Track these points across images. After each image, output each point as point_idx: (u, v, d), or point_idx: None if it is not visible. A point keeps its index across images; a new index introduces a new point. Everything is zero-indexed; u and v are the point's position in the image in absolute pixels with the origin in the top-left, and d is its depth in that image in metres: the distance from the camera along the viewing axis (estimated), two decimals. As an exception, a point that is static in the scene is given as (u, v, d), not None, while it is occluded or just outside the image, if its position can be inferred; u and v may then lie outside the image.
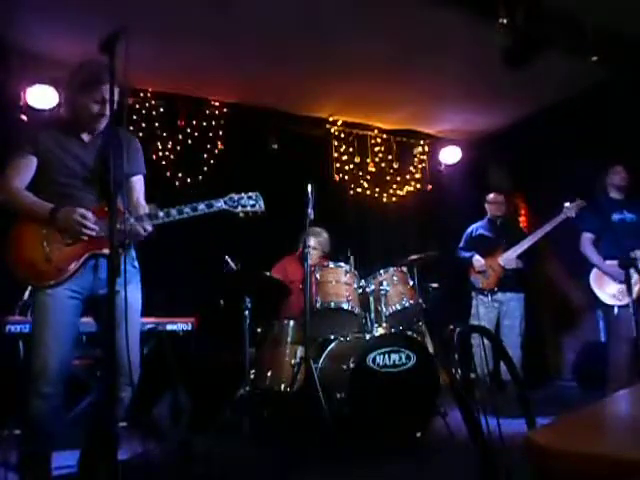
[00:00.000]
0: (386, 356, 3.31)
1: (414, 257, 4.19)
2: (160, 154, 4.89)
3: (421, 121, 5.97)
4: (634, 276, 3.76)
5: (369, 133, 5.95)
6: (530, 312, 4.66)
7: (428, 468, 2.91)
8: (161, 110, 4.93)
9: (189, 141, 5.03)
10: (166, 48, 4.25)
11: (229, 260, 3.79)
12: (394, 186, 6.01)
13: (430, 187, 6.15)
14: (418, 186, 6.12)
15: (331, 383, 3.26)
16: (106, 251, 2.17)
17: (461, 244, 4.80)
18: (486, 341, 1.59)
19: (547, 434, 0.85)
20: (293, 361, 3.62)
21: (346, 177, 5.78)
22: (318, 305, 3.60)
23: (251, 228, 2.85)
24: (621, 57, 4.33)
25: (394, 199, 6.01)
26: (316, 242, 4.29)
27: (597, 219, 4.12)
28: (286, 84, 4.92)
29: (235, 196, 2.40)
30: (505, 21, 3.74)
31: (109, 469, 1.70)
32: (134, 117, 4.77)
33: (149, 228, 2.23)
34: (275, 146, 5.33)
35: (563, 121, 5.12)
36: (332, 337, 3.71)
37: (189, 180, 4.96)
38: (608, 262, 3.98)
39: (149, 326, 3.78)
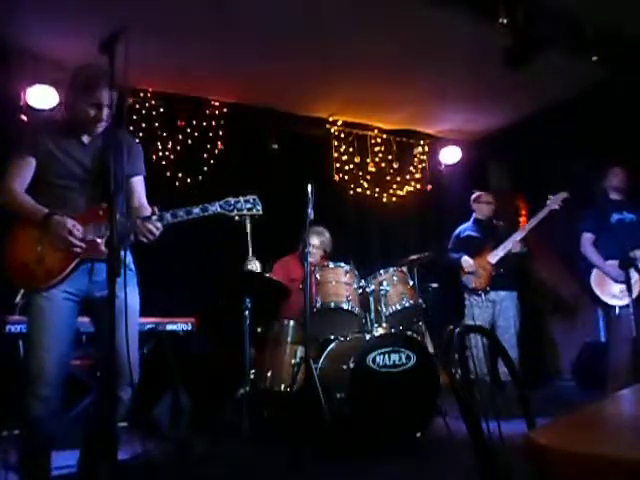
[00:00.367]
0: (386, 356, 3.31)
1: (414, 257, 4.19)
2: (160, 154, 4.88)
3: (421, 121, 5.97)
4: (634, 276, 3.77)
5: (369, 133, 5.95)
6: (530, 312, 4.66)
7: (428, 468, 2.91)
8: (161, 110, 4.93)
9: (189, 141, 5.03)
10: (166, 48, 4.24)
11: (251, 260, 3.72)
12: (394, 186, 6.01)
13: (430, 187, 6.15)
14: (418, 186, 6.11)
15: (331, 383, 3.26)
16: (100, 255, 2.18)
17: (450, 246, 4.77)
18: (483, 341, 1.59)
19: (547, 434, 0.85)
20: (293, 361, 3.62)
21: (346, 177, 5.78)
22: (318, 305, 3.61)
23: (251, 228, 2.86)
24: (621, 57, 4.33)
25: (394, 199, 6.00)
26: (319, 241, 4.29)
27: (597, 220, 4.12)
28: (286, 84, 4.92)
29: (232, 200, 2.36)
30: (505, 21, 3.74)
31: (109, 469, 1.70)
32: (134, 117, 4.76)
33: (160, 227, 2.21)
34: (275, 146, 5.32)
35: (563, 121, 5.12)
36: (332, 337, 3.71)
37: (189, 180, 4.96)
38: (608, 262, 3.98)
39: (149, 326, 3.78)
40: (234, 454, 3.24)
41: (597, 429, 0.95)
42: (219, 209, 2.33)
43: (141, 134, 4.72)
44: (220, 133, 5.14)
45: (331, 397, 3.20)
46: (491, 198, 4.79)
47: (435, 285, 4.57)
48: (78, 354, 3.59)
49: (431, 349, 4.21)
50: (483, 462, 1.15)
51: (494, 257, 4.48)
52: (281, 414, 3.58)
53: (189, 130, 5.04)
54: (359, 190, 5.84)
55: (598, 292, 4.02)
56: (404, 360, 3.36)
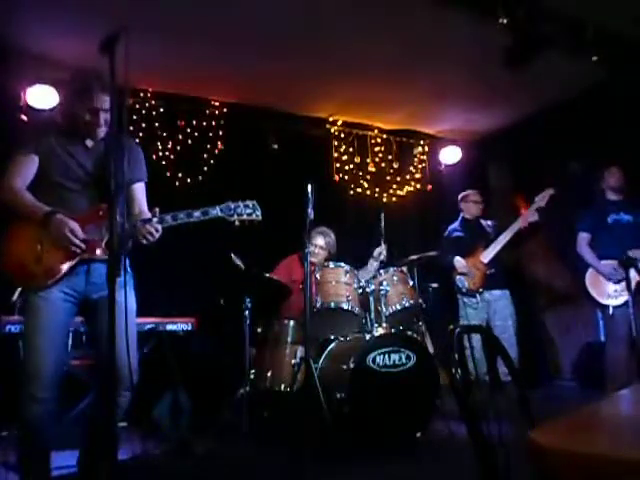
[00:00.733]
0: (386, 356, 3.31)
1: (414, 257, 4.19)
2: (160, 154, 4.88)
3: (421, 121, 5.97)
4: (633, 276, 3.76)
5: (369, 133, 5.95)
6: (528, 311, 4.65)
7: (428, 468, 2.91)
8: (161, 110, 4.93)
9: (189, 141, 5.03)
10: (166, 48, 4.24)
11: (235, 258, 3.73)
12: (394, 186, 6.01)
13: (430, 187, 6.15)
14: (418, 186, 6.12)
15: (331, 383, 3.26)
16: (98, 256, 2.18)
17: (441, 247, 4.75)
18: (481, 342, 1.58)
19: (547, 434, 0.85)
20: (293, 361, 3.62)
21: (346, 177, 5.78)
22: (318, 305, 3.60)
23: (251, 228, 2.85)
24: (621, 57, 4.33)
25: (394, 199, 6.01)
26: (324, 242, 4.28)
27: (594, 220, 4.13)
28: (286, 84, 4.92)
29: (232, 204, 2.36)
30: (505, 21, 3.74)
31: (109, 469, 1.70)
32: (134, 117, 4.76)
33: (160, 229, 2.21)
34: (275, 146, 5.33)
35: (563, 121, 5.12)
36: (332, 337, 3.71)
37: (189, 180, 4.96)
38: (604, 262, 3.99)
39: (149, 326, 3.79)
40: (234, 454, 3.25)
41: (597, 429, 0.95)
42: (220, 213, 2.33)
43: (141, 134, 4.72)
44: (220, 133, 5.14)
45: (331, 397, 3.20)
46: (479, 197, 4.76)
47: (435, 285, 4.56)
48: (78, 354, 3.60)
49: (431, 349, 4.21)
50: (483, 462, 1.15)
51: (486, 256, 4.47)
52: (281, 414, 3.58)
53: (189, 130, 5.04)
54: (359, 190, 5.84)
55: (592, 292, 4.03)
56: (404, 360, 3.36)
